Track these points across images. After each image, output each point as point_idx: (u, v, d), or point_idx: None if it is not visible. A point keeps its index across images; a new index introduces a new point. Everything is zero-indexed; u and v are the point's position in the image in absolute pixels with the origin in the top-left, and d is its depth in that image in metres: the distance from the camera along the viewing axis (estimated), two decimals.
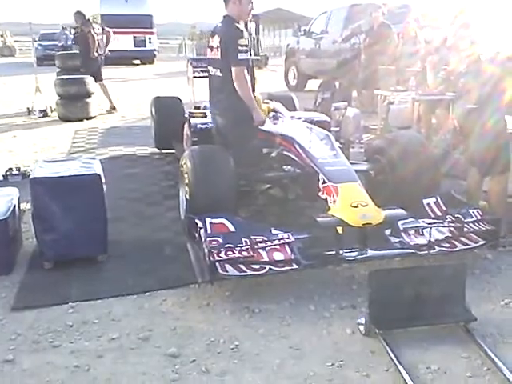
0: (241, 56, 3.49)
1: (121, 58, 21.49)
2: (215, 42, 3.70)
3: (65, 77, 8.30)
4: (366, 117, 6.99)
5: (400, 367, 2.16)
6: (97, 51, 8.83)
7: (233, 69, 3.52)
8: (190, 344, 2.40)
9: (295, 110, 5.56)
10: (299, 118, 4.51)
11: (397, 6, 9.87)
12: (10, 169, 4.96)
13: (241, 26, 3.62)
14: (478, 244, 3.02)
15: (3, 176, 4.86)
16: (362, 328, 2.43)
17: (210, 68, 3.85)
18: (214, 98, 3.84)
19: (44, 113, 8.68)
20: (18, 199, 3.45)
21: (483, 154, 3.63)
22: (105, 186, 3.24)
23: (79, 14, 8.86)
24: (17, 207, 3.36)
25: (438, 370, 2.20)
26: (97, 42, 8.78)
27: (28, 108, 8.84)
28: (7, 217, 3.10)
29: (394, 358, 2.22)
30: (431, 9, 9.32)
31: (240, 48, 3.48)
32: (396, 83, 6.55)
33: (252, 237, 2.84)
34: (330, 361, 2.27)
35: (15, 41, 32.45)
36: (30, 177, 3.24)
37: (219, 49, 3.64)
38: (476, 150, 3.71)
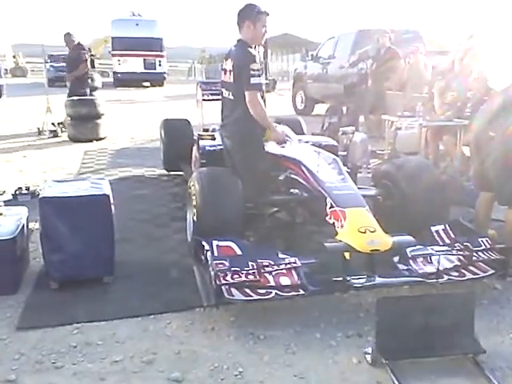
0: (253, 80, 3.52)
1: (131, 81, 21.90)
2: (228, 65, 3.74)
3: (75, 98, 8.42)
4: (374, 142, 7.01)
5: None
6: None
7: (246, 93, 3.56)
8: (194, 369, 2.37)
9: (303, 133, 5.59)
10: (307, 142, 4.53)
11: (404, 31, 10.00)
12: (20, 188, 5.01)
13: (253, 50, 3.66)
14: (487, 273, 2.97)
15: (13, 195, 4.90)
16: (368, 357, 2.39)
17: (224, 90, 3.88)
18: (225, 120, 3.89)
19: (54, 133, 8.79)
20: (27, 218, 3.46)
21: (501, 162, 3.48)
22: (113, 207, 3.26)
23: (69, 36, 8.66)
24: (25, 226, 3.38)
25: None
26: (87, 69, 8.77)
27: (38, 128, 8.96)
28: (15, 236, 3.11)
29: None
30: (439, 34, 9.44)
31: (252, 72, 3.52)
32: (403, 109, 6.59)
33: (259, 260, 2.82)
34: None
35: (27, 62, 33.08)
36: (39, 196, 3.26)
37: (231, 72, 3.68)
38: (492, 162, 3.55)
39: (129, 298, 3.03)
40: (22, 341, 2.59)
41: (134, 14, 23.84)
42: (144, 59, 22.57)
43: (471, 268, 2.98)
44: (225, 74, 3.82)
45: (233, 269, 2.73)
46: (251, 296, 2.66)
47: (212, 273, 2.68)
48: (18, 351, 2.50)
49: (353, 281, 2.81)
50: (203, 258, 2.93)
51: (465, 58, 7.29)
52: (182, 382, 2.28)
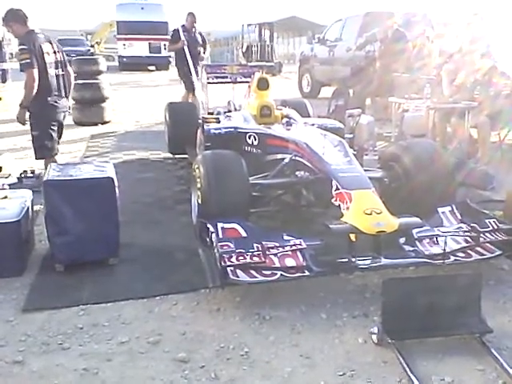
0: None
1: (136, 64, 21.79)
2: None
3: (80, 81, 8.35)
4: (380, 124, 6.95)
5: (413, 378, 2.12)
6: None
7: None
8: (200, 349, 2.38)
9: (309, 116, 5.54)
10: (313, 125, 4.49)
11: (411, 14, 9.85)
12: (25, 171, 5.01)
13: None
14: (493, 254, 2.95)
15: (18, 178, 4.90)
16: (374, 337, 2.39)
17: None
18: None
19: None
20: (32, 201, 3.46)
21: None
22: (117, 190, 3.25)
23: None
24: (30, 209, 3.38)
25: (451, 382, 2.15)
26: None
27: None
28: (20, 218, 3.12)
29: (407, 369, 2.17)
30: (446, 17, 9.30)
31: None
32: (410, 91, 6.51)
33: (263, 242, 2.81)
34: (341, 370, 2.23)
35: None
36: (44, 179, 3.25)
37: None
38: None
39: (134, 280, 3.04)
40: (29, 322, 2.61)
41: None
42: (149, 43, 22.42)
43: (478, 249, 2.96)
44: None
45: (238, 250, 2.72)
46: (256, 277, 2.66)
47: (217, 254, 2.68)
48: (24, 333, 2.51)
49: (358, 262, 2.80)
50: (208, 240, 2.92)
51: (472, 38, 7.18)
52: (188, 362, 2.29)
